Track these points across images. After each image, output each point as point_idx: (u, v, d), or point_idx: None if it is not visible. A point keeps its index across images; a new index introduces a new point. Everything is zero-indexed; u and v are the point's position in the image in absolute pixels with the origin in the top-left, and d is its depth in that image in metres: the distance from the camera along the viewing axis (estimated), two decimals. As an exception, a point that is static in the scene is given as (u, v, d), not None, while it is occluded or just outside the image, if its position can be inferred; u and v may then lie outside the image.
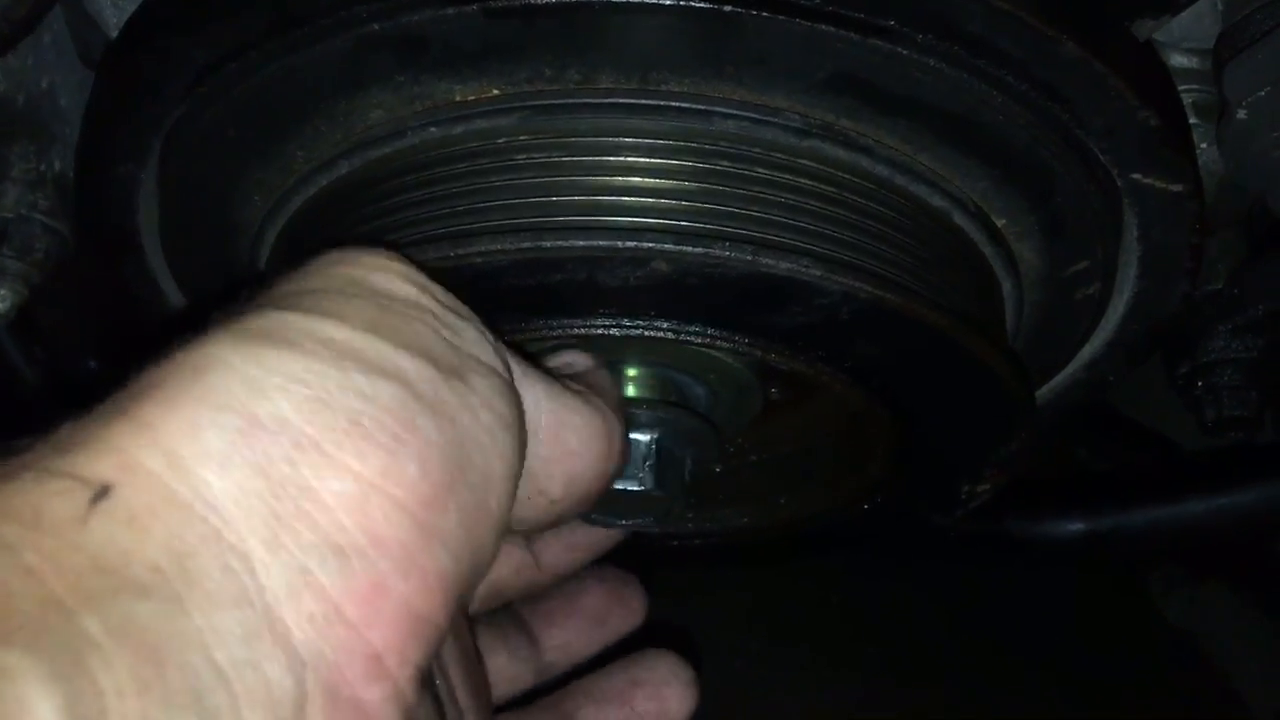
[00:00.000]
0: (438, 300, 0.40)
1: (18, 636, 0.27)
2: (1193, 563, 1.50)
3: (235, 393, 0.34)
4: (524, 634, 0.64)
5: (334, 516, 0.33)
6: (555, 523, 0.47)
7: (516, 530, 0.46)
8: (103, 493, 0.31)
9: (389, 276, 0.40)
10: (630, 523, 0.64)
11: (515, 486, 0.40)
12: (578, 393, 0.46)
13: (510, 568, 0.61)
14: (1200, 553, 1.46)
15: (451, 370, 0.38)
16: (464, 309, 0.42)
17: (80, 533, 0.30)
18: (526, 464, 0.42)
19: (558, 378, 0.47)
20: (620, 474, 0.50)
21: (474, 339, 0.40)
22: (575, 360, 0.53)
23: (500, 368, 0.41)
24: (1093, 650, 1.48)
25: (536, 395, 0.43)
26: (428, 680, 0.37)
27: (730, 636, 1.44)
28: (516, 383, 0.42)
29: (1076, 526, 1.09)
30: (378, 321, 0.38)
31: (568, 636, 0.65)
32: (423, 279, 0.41)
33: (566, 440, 0.45)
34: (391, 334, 0.37)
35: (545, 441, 0.44)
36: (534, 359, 0.47)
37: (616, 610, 0.66)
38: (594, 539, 0.65)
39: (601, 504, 0.60)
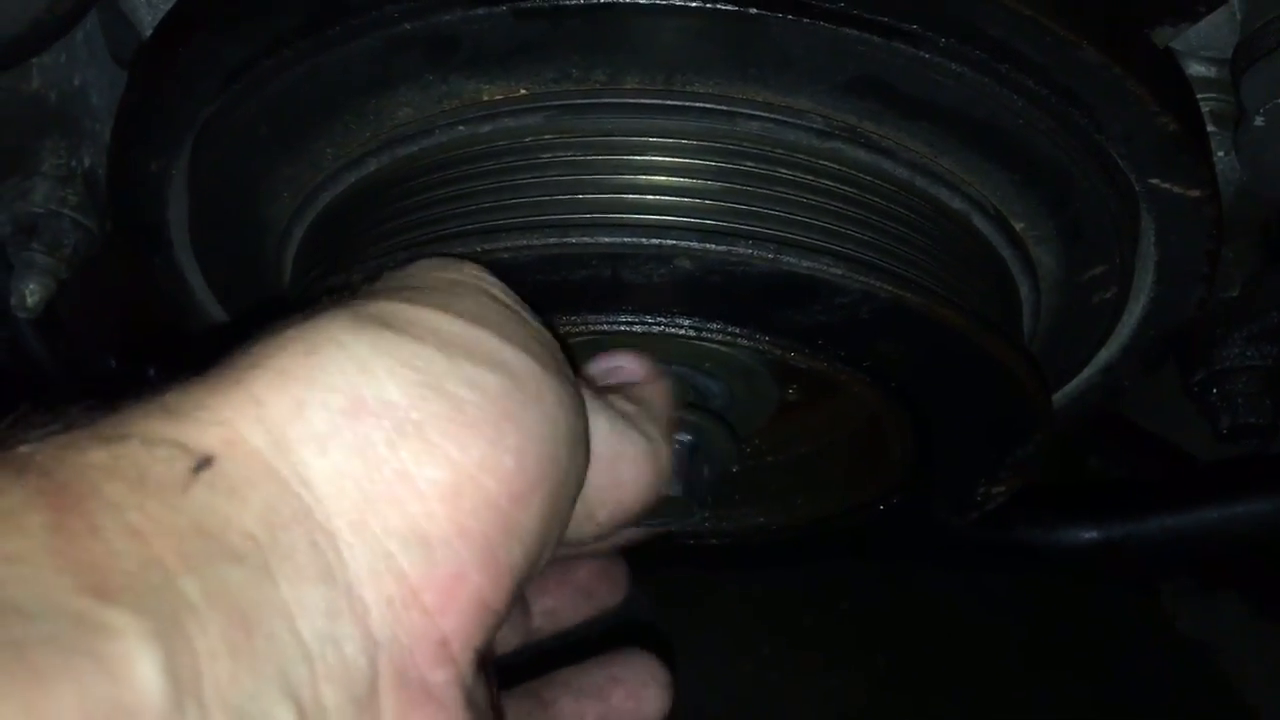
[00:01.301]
0: (528, 312, 0.42)
1: (123, 596, 0.28)
2: (1204, 573, 1.50)
3: (346, 372, 0.35)
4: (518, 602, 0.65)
5: (426, 504, 0.34)
6: (595, 542, 0.49)
7: (560, 549, 0.47)
8: (205, 462, 0.32)
9: (484, 281, 0.42)
10: (650, 524, 0.64)
11: (579, 491, 0.41)
12: (633, 421, 0.47)
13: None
14: (1212, 563, 1.46)
15: (551, 369, 0.39)
16: (545, 330, 0.43)
17: (181, 497, 0.31)
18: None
19: (612, 399, 0.47)
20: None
21: (559, 355, 0.42)
22: (628, 366, 0.53)
23: (577, 388, 0.42)
24: (1104, 660, 1.48)
25: (598, 425, 0.44)
26: (485, 662, 0.38)
27: (739, 640, 1.45)
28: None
29: (1089, 534, 1.09)
30: (482, 315, 0.39)
31: (557, 604, 0.66)
32: (513, 294, 0.42)
33: (620, 471, 0.46)
34: (496, 328, 0.38)
35: (599, 469, 0.44)
36: (587, 379, 0.47)
37: (603, 585, 0.67)
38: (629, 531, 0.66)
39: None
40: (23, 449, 0.31)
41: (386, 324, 0.37)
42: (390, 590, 0.33)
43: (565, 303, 0.55)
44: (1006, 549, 1.12)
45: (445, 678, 0.34)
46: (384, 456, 0.34)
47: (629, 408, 0.48)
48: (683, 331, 0.57)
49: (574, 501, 0.41)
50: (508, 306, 0.41)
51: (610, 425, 0.45)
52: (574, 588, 0.66)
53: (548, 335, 0.42)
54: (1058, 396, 0.75)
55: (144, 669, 0.27)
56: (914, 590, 1.48)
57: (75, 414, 0.33)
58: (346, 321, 0.36)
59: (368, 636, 0.32)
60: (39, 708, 0.25)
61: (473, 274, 0.42)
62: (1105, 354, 0.73)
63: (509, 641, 0.64)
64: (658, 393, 0.52)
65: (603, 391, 0.48)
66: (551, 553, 0.40)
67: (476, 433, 0.35)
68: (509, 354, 0.38)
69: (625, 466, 0.46)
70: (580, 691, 0.61)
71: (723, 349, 0.63)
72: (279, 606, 0.31)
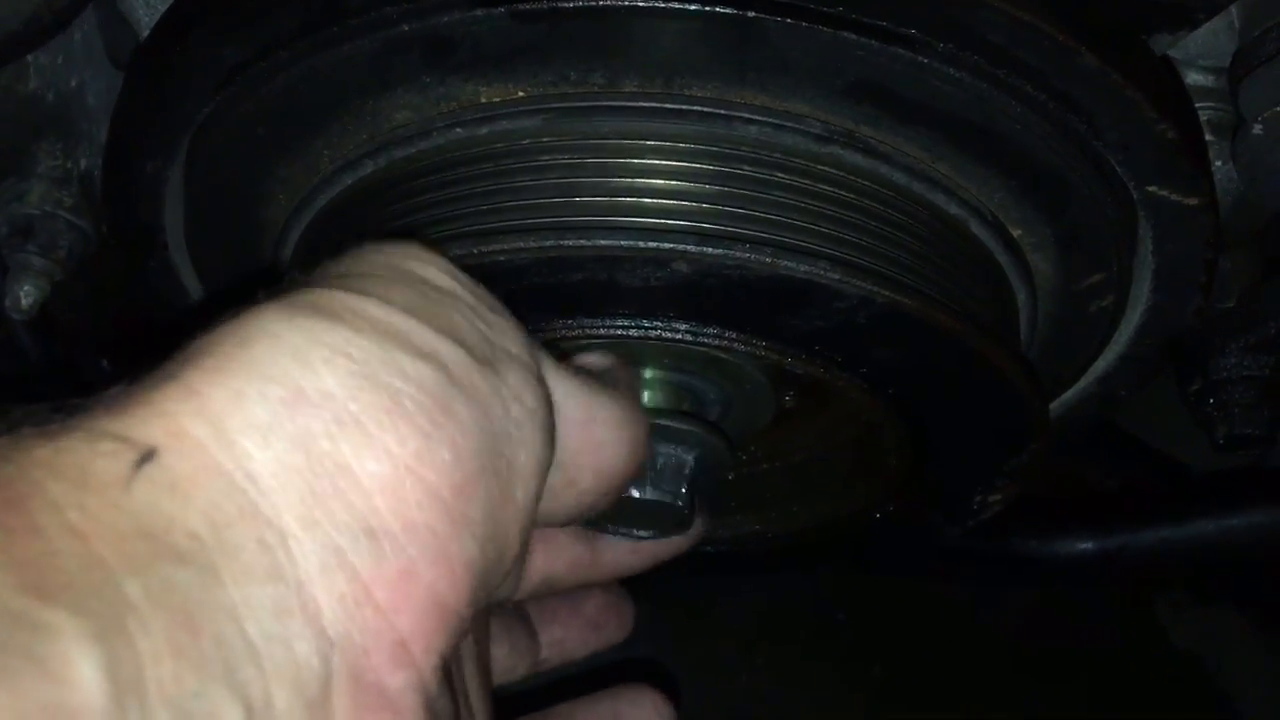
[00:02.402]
0: (471, 293, 0.41)
1: (63, 596, 0.27)
2: (1200, 586, 1.50)
3: (281, 363, 0.34)
4: (526, 628, 0.65)
5: (369, 498, 0.33)
6: (585, 514, 0.48)
7: (548, 523, 0.46)
8: (148, 456, 0.31)
9: (426, 266, 0.41)
10: (644, 533, 0.64)
11: (542, 480, 0.40)
12: (604, 387, 0.47)
13: (568, 562, 0.62)
14: (1207, 576, 1.46)
15: (485, 359, 0.38)
16: (496, 303, 0.42)
17: (124, 495, 0.30)
18: (557, 456, 0.42)
19: (581, 371, 0.47)
20: (643, 469, 0.51)
21: (506, 331, 0.41)
22: (596, 361, 0.53)
23: (530, 361, 0.41)
24: (1098, 672, 1.48)
25: (566, 389, 0.44)
26: (449, 673, 0.38)
27: (735, 650, 1.44)
28: (546, 377, 0.42)
29: (1086, 545, 1.09)
30: (417, 306, 0.38)
31: (565, 636, 0.65)
32: (457, 271, 0.41)
33: (595, 433, 0.45)
34: (430, 318, 0.38)
35: (575, 434, 0.44)
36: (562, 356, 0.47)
37: (612, 619, 0.67)
38: (658, 547, 0.65)
39: (615, 514, 0.61)
40: None
41: (320, 312, 0.36)
42: (342, 587, 0.32)
43: (561, 306, 0.55)
44: (1003, 559, 1.12)
45: (403, 682, 0.33)
46: (325, 449, 0.33)
47: (598, 381, 0.48)
48: (679, 336, 0.57)
49: (537, 491, 0.40)
50: (446, 292, 0.40)
51: (580, 388, 0.45)
52: (583, 620, 0.66)
53: (492, 317, 0.41)
54: (1054, 406, 0.75)
55: (84, 669, 0.27)
56: (910, 601, 1.47)
57: (21, 413, 0.32)
58: (279, 311, 0.36)
59: (321, 635, 0.32)
60: None
61: (413, 257, 0.41)
62: (1102, 363, 0.73)
63: (516, 670, 0.63)
64: (623, 373, 0.52)
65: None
66: (519, 550, 0.39)
67: (412, 425, 0.35)
68: (442, 345, 0.37)
69: (600, 428, 0.45)
70: None
71: (719, 354, 0.62)
72: (225, 606, 0.30)
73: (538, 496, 0.40)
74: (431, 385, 0.36)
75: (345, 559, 0.33)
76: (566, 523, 0.48)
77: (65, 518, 0.29)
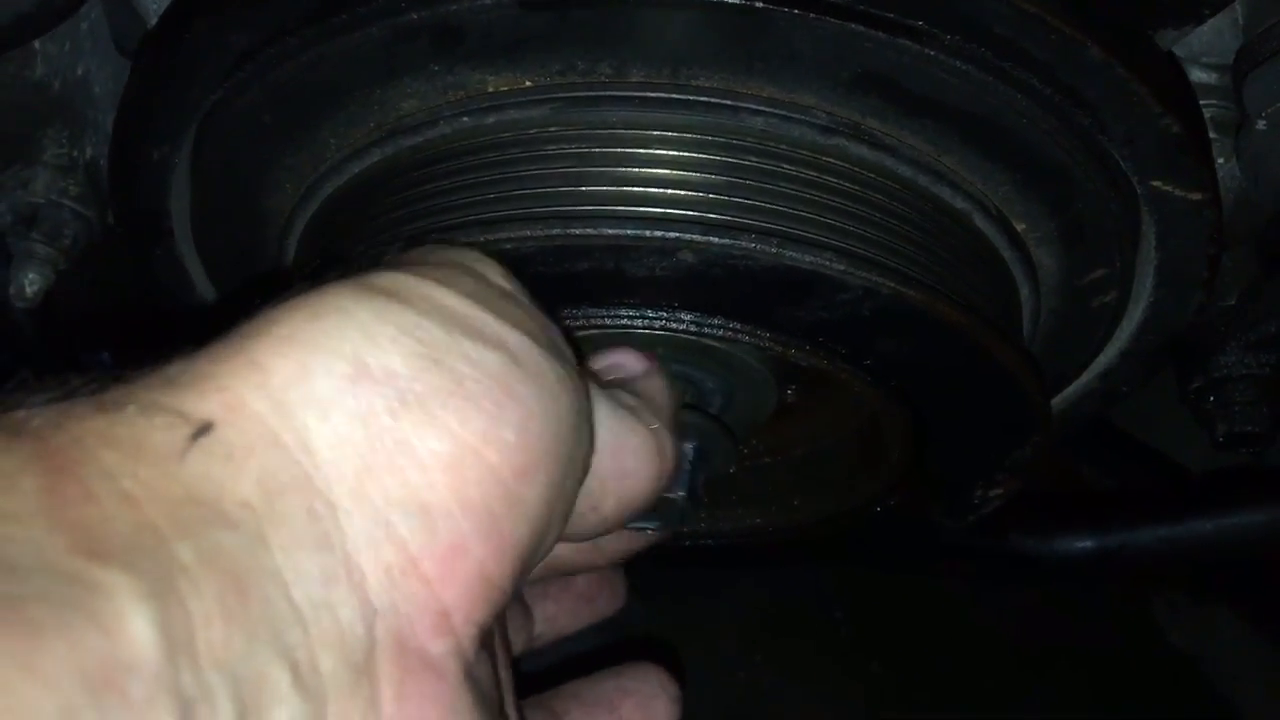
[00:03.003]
0: (529, 298, 0.42)
1: (116, 557, 0.28)
2: (1197, 586, 1.50)
3: (350, 339, 0.35)
4: (520, 605, 0.65)
5: (427, 474, 0.34)
6: (600, 534, 0.48)
7: (565, 539, 0.47)
8: (204, 429, 0.32)
9: (488, 267, 0.42)
10: (643, 525, 0.64)
11: (584, 477, 0.41)
12: (636, 411, 0.47)
13: (575, 546, 0.63)
14: (1204, 576, 1.46)
15: (551, 349, 0.39)
16: (546, 316, 0.43)
17: (177, 465, 0.31)
18: (586, 481, 0.43)
19: (615, 392, 0.47)
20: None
21: (560, 335, 0.42)
22: (627, 363, 0.53)
23: (580, 372, 0.42)
24: (1096, 672, 1.48)
25: (601, 414, 0.44)
26: (488, 642, 0.38)
27: (734, 647, 1.44)
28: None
29: (1085, 543, 1.09)
30: (482, 296, 0.39)
31: (558, 611, 0.66)
32: (513, 279, 0.42)
33: (624, 461, 0.45)
34: (495, 308, 0.39)
35: (604, 460, 0.44)
36: (591, 373, 0.47)
37: (604, 593, 0.67)
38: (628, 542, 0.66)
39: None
40: (20, 414, 0.31)
41: (390, 294, 0.37)
42: (389, 558, 0.33)
43: (567, 295, 0.55)
44: (1002, 557, 1.13)
45: (445, 649, 0.34)
46: (386, 425, 0.34)
47: (631, 400, 0.48)
48: (684, 326, 0.57)
49: (579, 484, 0.41)
50: (507, 290, 0.41)
51: (613, 414, 0.45)
52: (574, 594, 0.66)
53: (547, 320, 0.42)
54: (1056, 401, 0.75)
55: (137, 626, 0.27)
56: (909, 599, 1.48)
57: (76, 383, 0.33)
58: (351, 290, 0.36)
59: (365, 604, 0.32)
60: (33, 661, 0.25)
61: (474, 257, 0.42)
62: (1104, 359, 0.73)
63: (513, 647, 0.64)
64: (658, 387, 0.52)
65: (604, 384, 0.49)
66: (556, 536, 0.40)
67: (477, 407, 0.35)
68: (507, 333, 0.38)
69: (629, 457, 0.46)
70: (590, 703, 0.61)
71: (723, 346, 0.62)
72: (273, 572, 0.31)
73: (579, 489, 0.41)
74: (496, 370, 0.36)
75: (395, 532, 0.33)
76: (581, 541, 0.49)
77: (119, 485, 0.30)
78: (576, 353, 0.45)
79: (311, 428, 0.33)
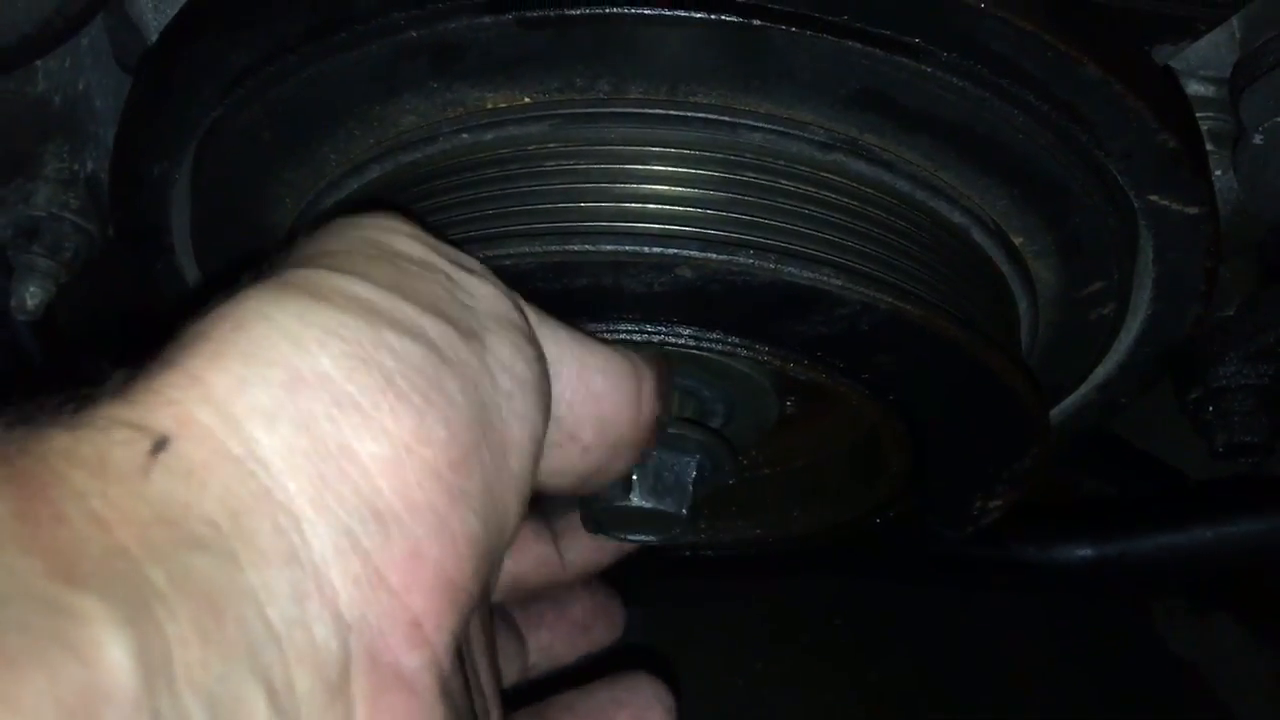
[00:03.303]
0: (448, 259, 0.41)
1: (90, 582, 0.28)
2: (1197, 594, 1.50)
3: (278, 346, 0.34)
4: (514, 634, 0.65)
5: (372, 480, 0.34)
6: (595, 474, 0.47)
7: (557, 487, 0.46)
8: (161, 444, 0.31)
9: (399, 238, 0.41)
10: (639, 538, 0.64)
11: (538, 448, 0.40)
12: (602, 340, 0.47)
13: (533, 561, 0.62)
14: (1205, 584, 1.46)
15: (469, 332, 0.39)
16: (475, 264, 0.42)
17: (143, 483, 0.31)
18: (554, 410, 0.42)
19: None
20: (663, 423, 0.50)
21: (488, 295, 0.41)
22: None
23: (518, 320, 0.41)
24: (1095, 679, 1.48)
25: (558, 340, 0.44)
26: (460, 653, 0.38)
27: (733, 655, 1.44)
28: (535, 331, 0.42)
29: (1084, 552, 1.09)
30: (399, 282, 0.38)
31: (553, 640, 0.65)
32: (431, 239, 0.42)
33: (591, 381, 0.45)
34: (413, 295, 0.38)
35: (569, 385, 0.44)
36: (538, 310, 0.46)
37: (600, 621, 0.67)
38: (614, 543, 0.65)
39: (610, 520, 0.61)
40: None
41: (308, 293, 0.36)
42: (356, 570, 0.33)
43: (567, 311, 0.55)
44: (1002, 566, 1.13)
45: (420, 661, 0.34)
46: (327, 431, 0.34)
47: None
48: (683, 341, 0.57)
49: (533, 458, 0.40)
50: (424, 263, 0.40)
51: (572, 339, 0.45)
52: (570, 623, 0.66)
53: (476, 283, 0.41)
54: (1054, 413, 0.76)
55: (115, 654, 0.27)
56: (908, 607, 1.48)
57: (37, 404, 0.32)
58: (270, 293, 0.36)
59: (338, 619, 0.32)
60: (12, 692, 0.25)
61: (387, 229, 0.41)
62: (1102, 371, 0.73)
63: (505, 677, 0.63)
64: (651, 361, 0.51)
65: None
66: (516, 523, 0.39)
67: (407, 404, 0.35)
68: (427, 322, 0.37)
69: (595, 377, 0.45)
70: (584, 714, 0.61)
71: (722, 360, 0.63)
72: (246, 591, 0.30)
73: (534, 465, 0.40)
74: (421, 362, 0.36)
75: (357, 541, 0.33)
76: (578, 486, 0.48)
77: (88, 506, 0.29)
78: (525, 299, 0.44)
79: (260, 439, 0.33)
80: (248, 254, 0.59)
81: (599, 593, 0.68)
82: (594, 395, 0.45)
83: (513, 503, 0.39)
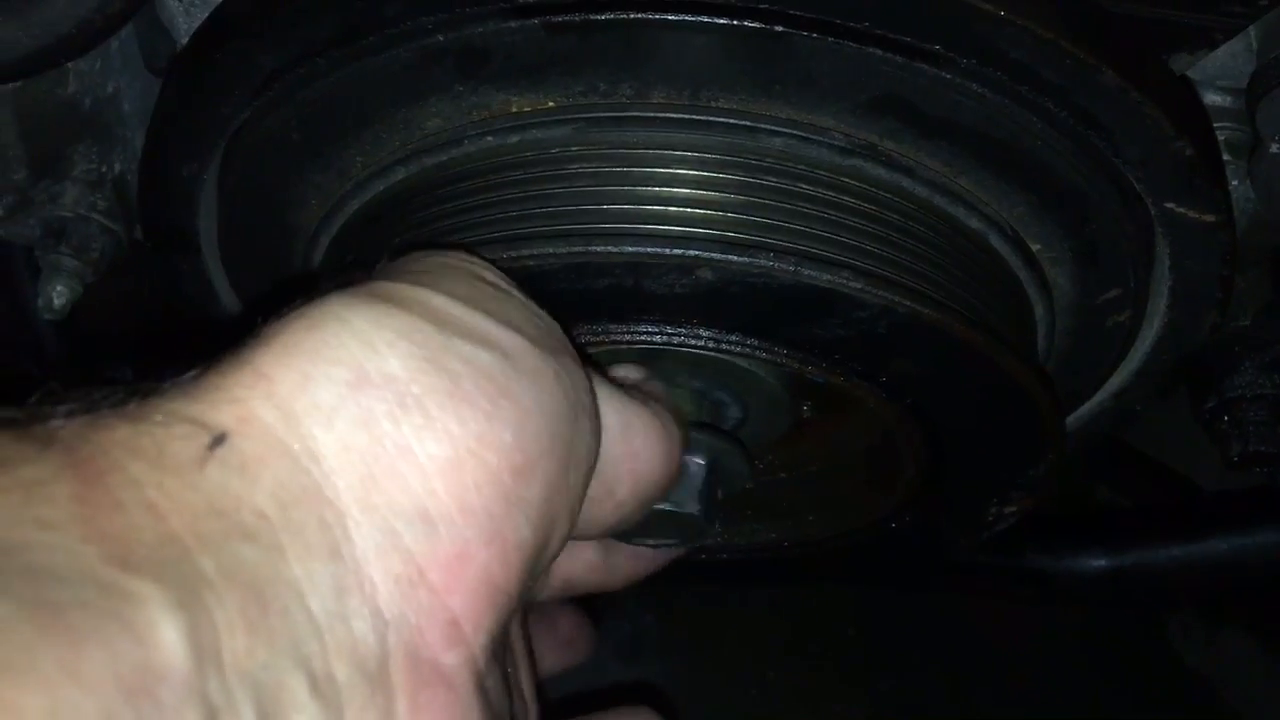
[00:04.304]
0: (521, 295, 0.43)
1: (145, 567, 0.29)
2: (1212, 608, 1.49)
3: (347, 346, 0.35)
4: None
5: (427, 481, 0.34)
6: (619, 524, 0.49)
7: (585, 534, 0.47)
8: (220, 439, 0.32)
9: (479, 266, 0.42)
10: (661, 542, 0.65)
11: (591, 471, 0.42)
12: (640, 398, 0.48)
13: (584, 565, 0.63)
14: (1219, 598, 1.46)
15: (546, 347, 0.40)
16: (542, 310, 0.43)
17: (198, 475, 0.32)
18: (597, 464, 0.43)
19: (617, 381, 0.48)
20: (677, 481, 0.52)
21: (557, 330, 0.42)
22: (629, 373, 0.55)
23: (579, 363, 0.43)
24: (1109, 692, 1.48)
25: (605, 396, 0.45)
26: (499, 652, 0.39)
27: (744, 663, 1.44)
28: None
29: (1099, 562, 1.09)
30: (476, 298, 0.40)
31: (543, 654, 0.66)
32: (506, 277, 0.43)
33: (632, 441, 0.46)
34: (490, 310, 0.39)
35: (613, 442, 0.45)
36: (594, 364, 0.49)
37: (581, 638, 0.68)
38: (666, 553, 0.66)
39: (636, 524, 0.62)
40: (51, 424, 0.32)
41: (385, 300, 0.37)
42: (397, 568, 0.34)
43: (588, 312, 0.56)
44: (1016, 576, 1.13)
45: (457, 660, 0.34)
46: (387, 430, 0.34)
47: (632, 390, 0.49)
48: (702, 343, 0.58)
49: (585, 479, 0.41)
50: (500, 289, 0.42)
51: (617, 397, 0.46)
52: (557, 638, 0.67)
53: (544, 317, 0.42)
54: (1070, 420, 0.76)
55: (169, 635, 0.28)
56: (920, 616, 1.47)
57: (99, 395, 0.33)
58: (346, 298, 0.37)
59: (377, 614, 0.33)
60: (75, 666, 0.26)
61: (464, 259, 0.43)
62: (1118, 378, 0.74)
63: None
64: (656, 387, 0.54)
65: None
66: (564, 536, 0.40)
67: (474, 408, 0.36)
68: (502, 333, 0.39)
69: (637, 437, 0.46)
70: None
71: (740, 363, 0.63)
72: (290, 583, 0.31)
73: (587, 484, 0.41)
74: (491, 370, 0.37)
75: (400, 541, 0.34)
76: (602, 534, 0.49)
77: (144, 495, 0.30)
78: (579, 350, 0.45)
79: (318, 436, 0.34)
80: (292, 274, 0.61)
81: (579, 614, 0.70)
82: (633, 453, 0.47)
83: (565, 516, 0.40)
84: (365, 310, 0.37)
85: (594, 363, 0.48)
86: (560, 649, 0.67)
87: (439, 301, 0.38)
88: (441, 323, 0.37)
